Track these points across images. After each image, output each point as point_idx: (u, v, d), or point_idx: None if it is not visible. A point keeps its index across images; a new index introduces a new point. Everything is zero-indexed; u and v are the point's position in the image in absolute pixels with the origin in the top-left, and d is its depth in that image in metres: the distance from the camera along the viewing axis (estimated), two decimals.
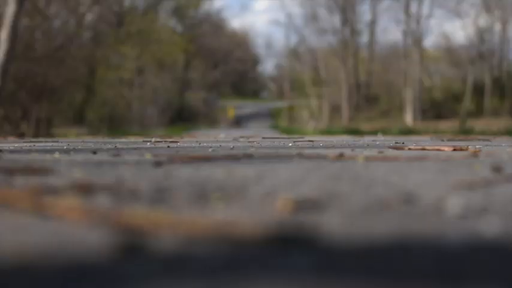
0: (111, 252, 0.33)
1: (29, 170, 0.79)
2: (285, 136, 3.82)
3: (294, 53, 25.79)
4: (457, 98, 20.86)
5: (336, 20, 23.20)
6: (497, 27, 21.20)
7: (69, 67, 8.81)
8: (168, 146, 1.70)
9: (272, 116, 25.17)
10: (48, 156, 1.18)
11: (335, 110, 22.67)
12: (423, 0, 21.62)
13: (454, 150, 1.39)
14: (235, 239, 0.36)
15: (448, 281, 0.28)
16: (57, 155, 1.24)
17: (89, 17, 11.28)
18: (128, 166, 0.90)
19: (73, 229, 0.40)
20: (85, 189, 0.59)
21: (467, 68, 20.90)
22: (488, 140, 2.49)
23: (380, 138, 2.96)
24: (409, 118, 19.94)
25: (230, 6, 39.13)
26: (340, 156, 1.13)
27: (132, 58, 16.50)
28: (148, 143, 2.00)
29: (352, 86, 22.86)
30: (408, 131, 9.65)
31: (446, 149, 1.42)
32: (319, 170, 0.83)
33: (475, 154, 1.20)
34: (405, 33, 22.20)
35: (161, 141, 2.22)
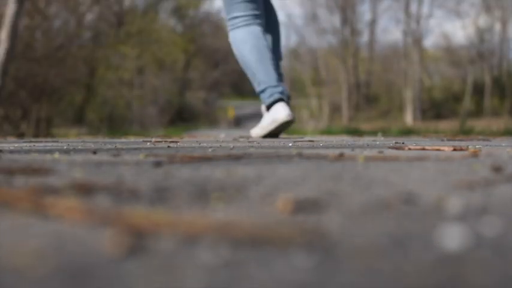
0: (111, 252, 0.33)
1: (29, 170, 0.79)
2: (285, 136, 3.83)
3: (294, 53, 25.81)
4: (457, 98, 20.88)
5: (336, 20, 23.21)
6: (497, 27, 21.21)
7: (69, 67, 8.81)
8: (168, 146, 1.70)
9: None
10: (48, 156, 1.18)
11: (335, 110, 22.68)
12: (423, 0, 21.62)
13: (454, 150, 1.39)
14: (235, 239, 0.36)
15: (448, 280, 0.28)
16: (57, 155, 1.24)
17: (89, 17, 11.27)
18: (128, 166, 0.90)
19: (73, 229, 0.40)
20: (85, 189, 0.59)
21: (467, 68, 20.90)
22: (488, 140, 2.49)
23: (380, 138, 2.97)
24: (409, 118, 19.95)
25: None
26: (340, 156, 1.13)
27: (132, 58, 16.50)
28: (148, 143, 2.00)
29: (352, 86, 22.87)
30: (408, 131, 9.66)
31: (446, 149, 1.42)
32: (319, 170, 0.83)
33: (475, 154, 1.20)
34: (405, 33, 22.21)
35: (161, 141, 2.22)
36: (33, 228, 0.40)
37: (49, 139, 3.16)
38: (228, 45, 3.14)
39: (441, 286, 0.27)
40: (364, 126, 14.37)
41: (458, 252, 0.33)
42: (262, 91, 2.95)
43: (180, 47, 23.16)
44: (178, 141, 2.24)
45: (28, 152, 1.39)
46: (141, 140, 2.67)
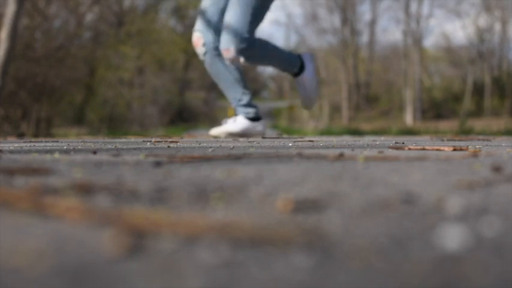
0: (111, 252, 0.33)
1: (29, 170, 0.79)
2: (285, 136, 3.83)
3: None
4: (457, 98, 20.88)
5: (336, 20, 23.22)
6: (497, 27, 21.21)
7: (69, 67, 8.81)
8: (168, 146, 1.70)
9: (272, 116, 25.16)
10: (48, 156, 1.18)
11: (335, 110, 22.68)
12: (423, 0, 21.62)
13: (454, 150, 1.39)
14: (235, 239, 0.36)
15: (448, 280, 0.28)
16: (57, 155, 1.24)
17: (89, 17, 11.27)
18: (128, 166, 0.90)
19: (73, 229, 0.40)
20: (85, 189, 0.59)
21: (467, 68, 20.91)
22: (488, 140, 2.49)
23: (380, 138, 2.97)
24: (409, 118, 19.95)
25: None
26: (340, 156, 1.13)
27: (132, 58, 16.48)
28: (148, 143, 2.00)
29: (352, 86, 22.87)
30: (408, 131, 9.66)
31: (446, 149, 1.42)
32: (319, 170, 0.83)
33: (475, 154, 1.20)
34: (405, 33, 22.22)
35: (161, 141, 2.22)
36: (33, 228, 0.40)
37: (49, 139, 3.16)
38: None
39: (441, 286, 0.27)
40: (364, 126, 14.37)
41: (458, 252, 0.33)
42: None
43: (180, 47, 23.16)
44: (178, 141, 2.24)
45: (28, 152, 1.39)
46: (141, 140, 2.67)
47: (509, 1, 19.90)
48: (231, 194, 0.58)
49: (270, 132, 10.47)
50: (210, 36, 3.04)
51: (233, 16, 2.88)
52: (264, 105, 27.92)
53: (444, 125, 13.46)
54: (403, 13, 21.78)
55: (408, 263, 0.31)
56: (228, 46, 2.89)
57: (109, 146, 1.70)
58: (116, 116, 15.21)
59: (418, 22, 21.34)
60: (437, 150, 1.42)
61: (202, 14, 3.07)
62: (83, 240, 0.36)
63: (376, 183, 0.66)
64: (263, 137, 3.07)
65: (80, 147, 1.65)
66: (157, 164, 0.92)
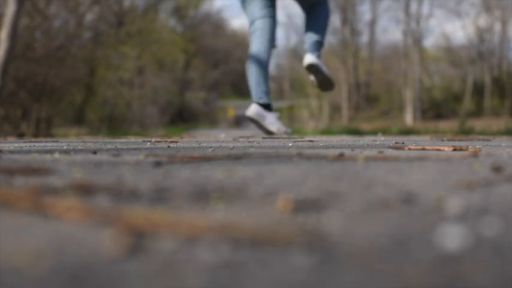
0: (111, 252, 0.33)
1: (29, 170, 0.79)
2: (285, 136, 3.83)
3: (294, 53, 25.78)
4: (457, 98, 20.87)
5: (336, 20, 23.21)
6: (497, 27, 21.21)
7: (69, 67, 8.80)
8: (168, 146, 1.70)
9: None
10: (48, 156, 1.18)
11: (335, 110, 22.68)
12: (423, 0, 21.60)
13: (454, 150, 1.39)
14: (235, 239, 0.36)
15: (448, 280, 0.28)
16: (57, 155, 1.24)
17: (89, 17, 11.26)
18: (128, 166, 0.90)
19: (73, 229, 0.40)
20: (85, 189, 0.59)
21: (467, 68, 20.90)
22: (488, 140, 2.49)
23: (380, 138, 2.97)
24: (409, 118, 19.94)
25: (230, 6, 39.19)
26: (340, 156, 1.13)
27: (132, 58, 16.47)
28: (148, 143, 2.00)
29: (352, 86, 22.86)
30: (408, 131, 9.65)
31: (446, 149, 1.42)
32: (319, 170, 0.83)
33: (475, 154, 1.20)
34: (405, 33, 22.21)
35: (161, 141, 2.22)
36: (33, 228, 0.40)
37: (49, 139, 3.16)
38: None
39: (441, 286, 0.27)
40: (364, 126, 14.37)
41: (458, 252, 0.33)
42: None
43: (180, 47, 23.17)
44: (178, 141, 2.24)
45: (28, 152, 1.39)
46: (141, 140, 2.67)
47: (509, 1, 19.90)
48: (231, 194, 0.58)
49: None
50: None
51: None
52: None
53: (444, 125, 13.44)
54: (403, 13, 21.78)
55: (408, 263, 0.31)
56: None
57: (109, 146, 1.70)
58: (116, 116, 15.20)
59: (418, 22, 21.34)
60: (437, 150, 1.41)
61: None
62: (83, 240, 0.36)
63: (376, 183, 0.66)
64: (263, 137, 3.07)
65: (80, 147, 1.65)
66: (157, 164, 0.92)
